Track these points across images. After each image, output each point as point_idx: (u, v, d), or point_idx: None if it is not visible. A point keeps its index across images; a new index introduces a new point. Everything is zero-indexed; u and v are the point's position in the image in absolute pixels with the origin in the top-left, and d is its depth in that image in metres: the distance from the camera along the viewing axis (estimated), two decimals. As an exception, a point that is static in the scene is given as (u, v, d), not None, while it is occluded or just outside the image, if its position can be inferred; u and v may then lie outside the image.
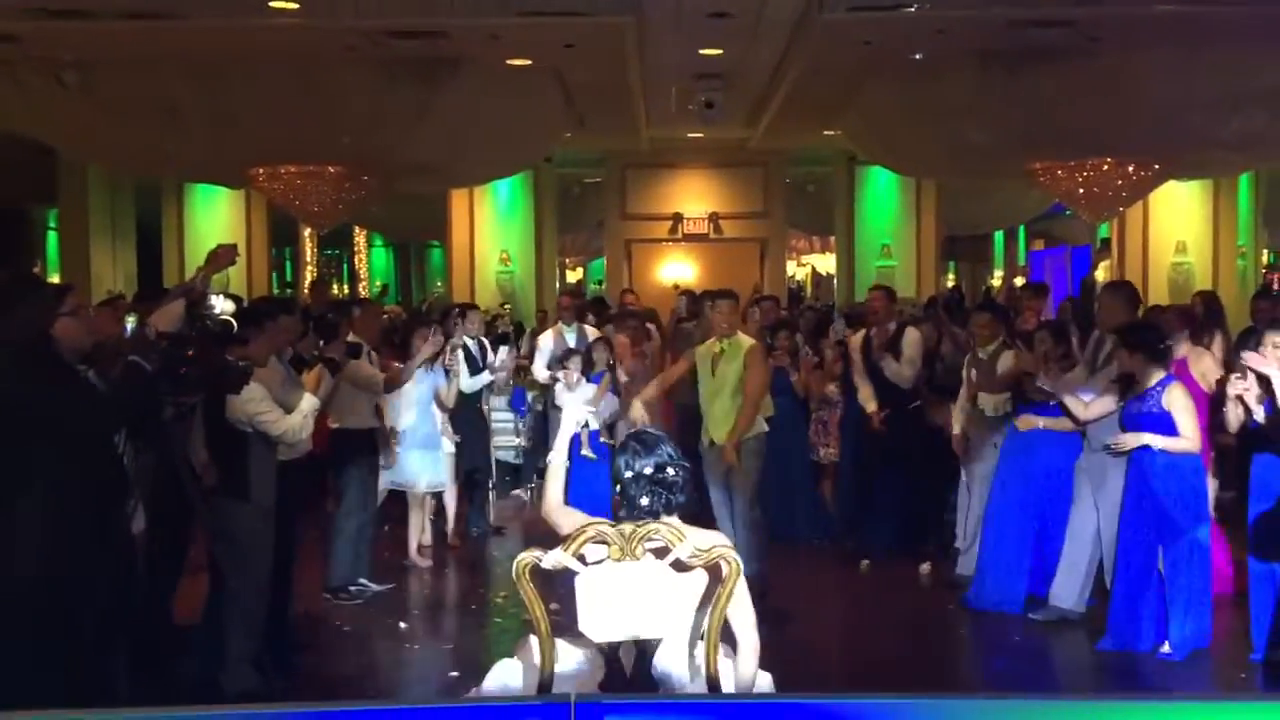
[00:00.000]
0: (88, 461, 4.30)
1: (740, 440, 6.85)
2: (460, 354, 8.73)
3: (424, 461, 7.95)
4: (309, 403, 5.57)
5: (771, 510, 8.79)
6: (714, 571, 3.47)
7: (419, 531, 8.18)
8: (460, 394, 8.70)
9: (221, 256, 5.73)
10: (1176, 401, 5.67)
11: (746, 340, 7.15)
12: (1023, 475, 6.64)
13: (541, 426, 9.62)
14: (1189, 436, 5.66)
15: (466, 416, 8.79)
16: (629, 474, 3.54)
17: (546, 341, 9.50)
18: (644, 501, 3.52)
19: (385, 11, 8.68)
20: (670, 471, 3.56)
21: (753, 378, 6.95)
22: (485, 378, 8.89)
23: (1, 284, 4.43)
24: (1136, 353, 5.75)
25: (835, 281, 18.57)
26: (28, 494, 4.07)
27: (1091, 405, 6.18)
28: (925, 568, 7.70)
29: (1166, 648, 5.78)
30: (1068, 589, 6.45)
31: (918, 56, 10.02)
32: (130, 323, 4.38)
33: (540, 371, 9.27)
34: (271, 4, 8.61)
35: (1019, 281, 17.65)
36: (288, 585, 5.90)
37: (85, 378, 4.39)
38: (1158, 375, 5.75)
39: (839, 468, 8.68)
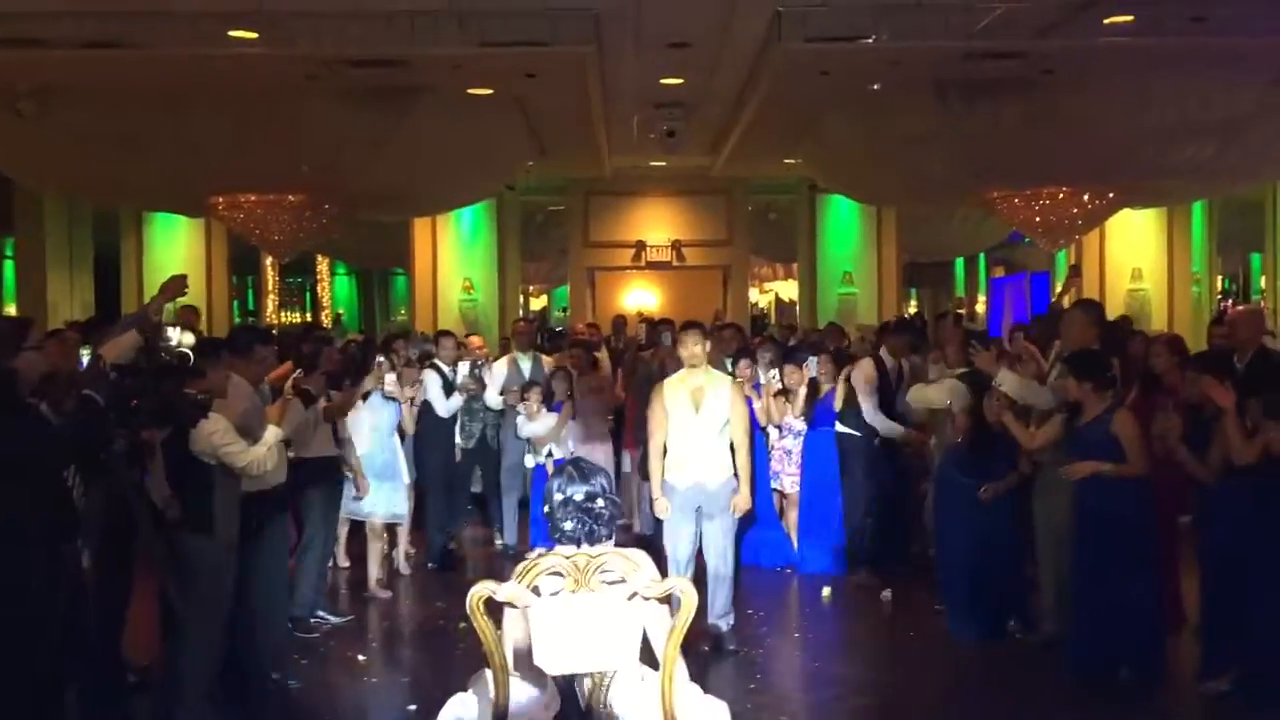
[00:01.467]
0: (39, 497, 4.25)
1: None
2: (437, 379, 8.76)
3: (381, 492, 7.89)
4: (273, 434, 5.52)
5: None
6: (669, 603, 3.48)
7: (378, 562, 8.13)
8: (437, 418, 8.69)
9: (171, 287, 5.71)
10: (1125, 428, 5.73)
11: (723, 375, 6.97)
12: (973, 507, 6.68)
13: (486, 453, 9.53)
14: (1136, 462, 5.72)
15: (439, 441, 8.82)
16: (559, 497, 3.57)
17: (500, 368, 9.46)
18: (567, 526, 3.54)
19: (345, 41, 8.68)
20: (600, 503, 3.58)
21: (743, 417, 6.76)
22: (458, 400, 8.88)
23: None
24: (1085, 381, 5.81)
25: (798, 308, 18.67)
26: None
27: (1038, 434, 6.24)
28: (886, 594, 7.72)
29: (1125, 673, 5.80)
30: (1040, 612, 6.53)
31: (875, 87, 10.13)
32: (85, 355, 4.34)
33: (493, 398, 9.20)
34: (231, 33, 8.60)
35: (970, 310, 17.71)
36: (252, 618, 5.83)
37: (38, 411, 4.34)
38: (1105, 402, 5.82)
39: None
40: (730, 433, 6.65)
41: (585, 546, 3.51)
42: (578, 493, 3.55)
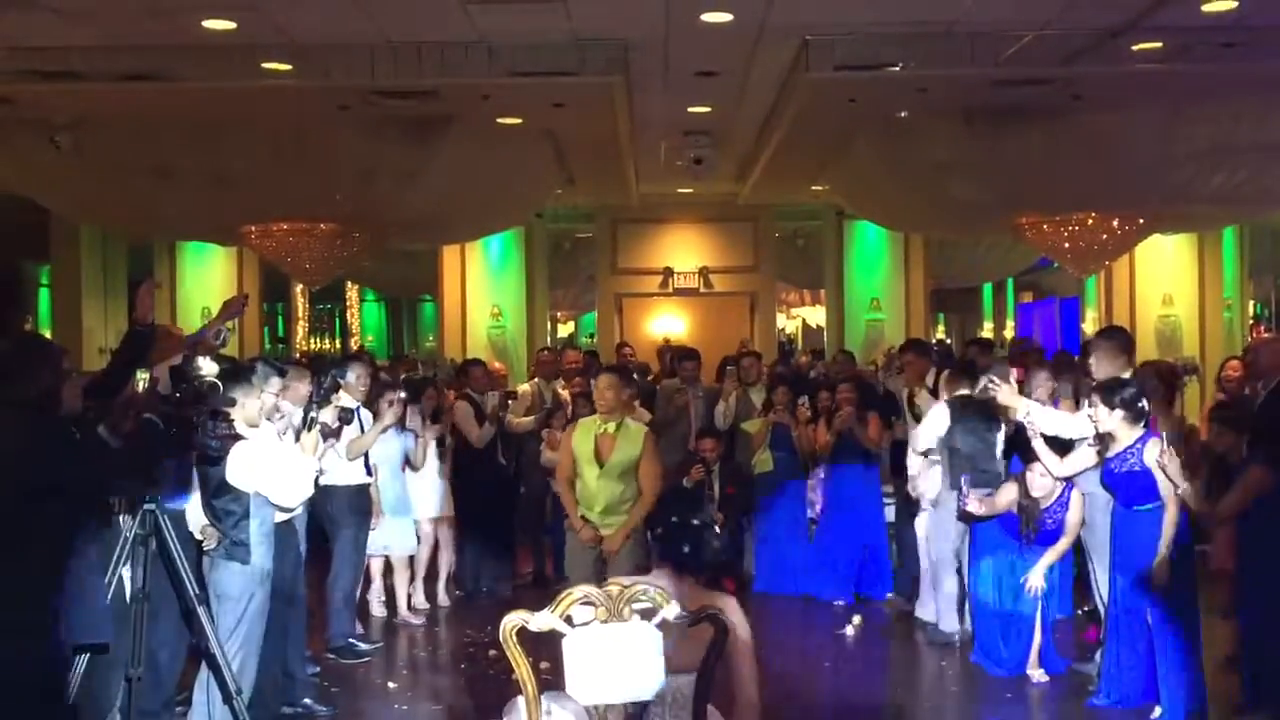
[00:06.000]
0: (79, 519, 4.28)
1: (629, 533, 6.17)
2: (469, 410, 8.73)
3: (395, 526, 7.85)
4: (306, 464, 5.56)
5: (768, 562, 8.86)
6: (705, 632, 3.48)
7: (406, 589, 8.15)
8: (474, 450, 8.66)
9: (232, 305, 5.77)
10: (1158, 460, 5.65)
11: (638, 426, 6.47)
12: (1008, 553, 6.64)
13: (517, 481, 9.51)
14: (1170, 496, 5.62)
15: (483, 471, 8.79)
16: (675, 519, 3.61)
17: (525, 396, 9.49)
18: (685, 549, 3.62)
19: (377, 72, 8.78)
20: (711, 533, 3.71)
21: (650, 470, 6.25)
22: (490, 430, 8.81)
23: (16, 346, 4.45)
24: (1115, 409, 5.74)
25: (825, 335, 18.64)
26: (37, 556, 4.04)
27: (1066, 461, 6.17)
28: (857, 619, 7.86)
29: (1157, 712, 5.71)
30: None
31: (903, 114, 10.14)
32: (143, 380, 4.40)
33: (514, 421, 9.17)
34: (265, 65, 8.72)
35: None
36: (280, 646, 5.86)
37: (99, 436, 4.38)
38: (1137, 432, 5.75)
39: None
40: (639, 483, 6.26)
41: (688, 573, 3.60)
42: (694, 519, 3.62)
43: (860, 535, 8.53)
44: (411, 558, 8.19)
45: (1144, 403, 5.77)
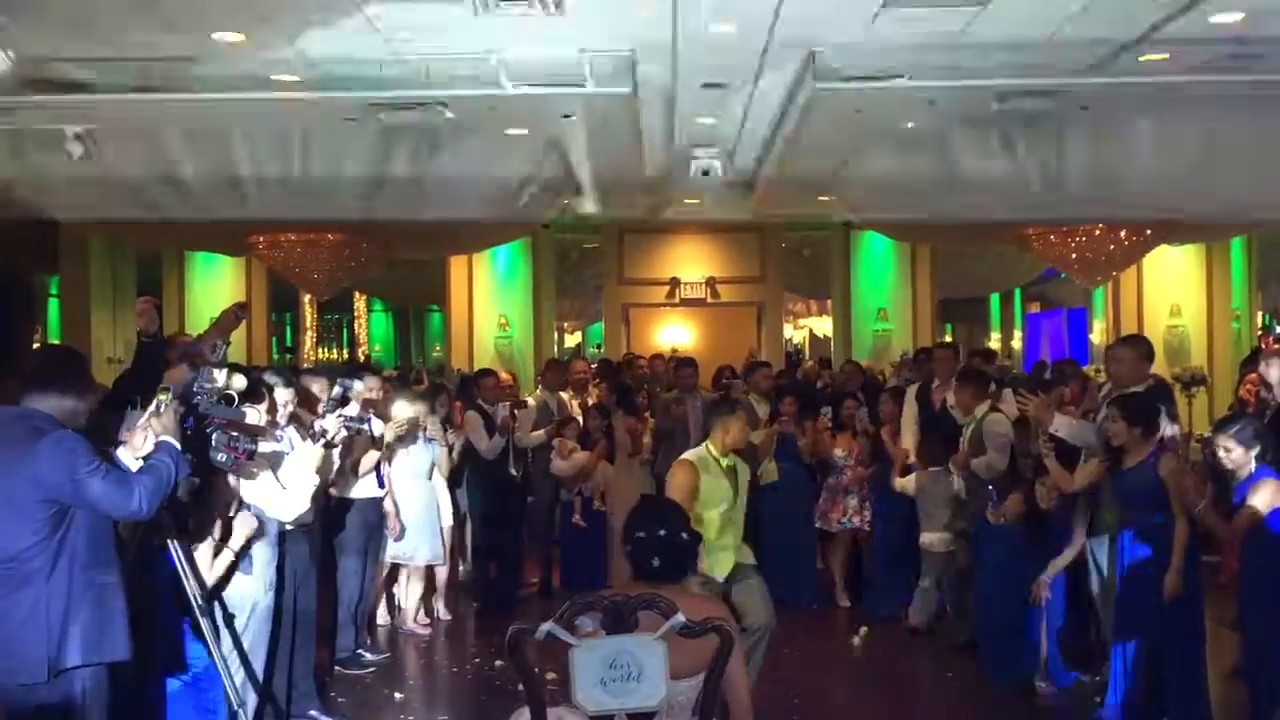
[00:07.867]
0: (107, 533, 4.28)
1: None
2: (479, 420, 8.74)
3: (421, 535, 7.89)
4: (311, 479, 5.57)
5: (774, 572, 8.85)
6: (708, 642, 3.48)
7: (416, 601, 8.15)
8: (484, 460, 8.67)
9: (226, 318, 5.77)
10: (1171, 473, 5.62)
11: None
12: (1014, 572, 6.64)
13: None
14: (1182, 510, 5.59)
15: (493, 482, 8.80)
16: (641, 534, 3.59)
17: (530, 408, 9.51)
18: (655, 563, 3.56)
19: (385, 83, 8.81)
20: (683, 536, 3.61)
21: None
22: (500, 441, 8.82)
23: (52, 357, 4.47)
24: (1135, 424, 5.70)
25: (832, 345, 18.64)
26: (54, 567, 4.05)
27: (1077, 475, 6.16)
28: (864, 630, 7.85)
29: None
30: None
31: (910, 125, 10.15)
32: (164, 399, 4.36)
33: (525, 437, 9.18)
34: (274, 76, 8.75)
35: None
36: (288, 656, 5.87)
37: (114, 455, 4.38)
38: (1150, 446, 5.72)
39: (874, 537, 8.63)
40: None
41: (670, 581, 3.56)
42: (660, 529, 3.59)
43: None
44: (430, 568, 8.19)
45: (1159, 415, 5.76)
